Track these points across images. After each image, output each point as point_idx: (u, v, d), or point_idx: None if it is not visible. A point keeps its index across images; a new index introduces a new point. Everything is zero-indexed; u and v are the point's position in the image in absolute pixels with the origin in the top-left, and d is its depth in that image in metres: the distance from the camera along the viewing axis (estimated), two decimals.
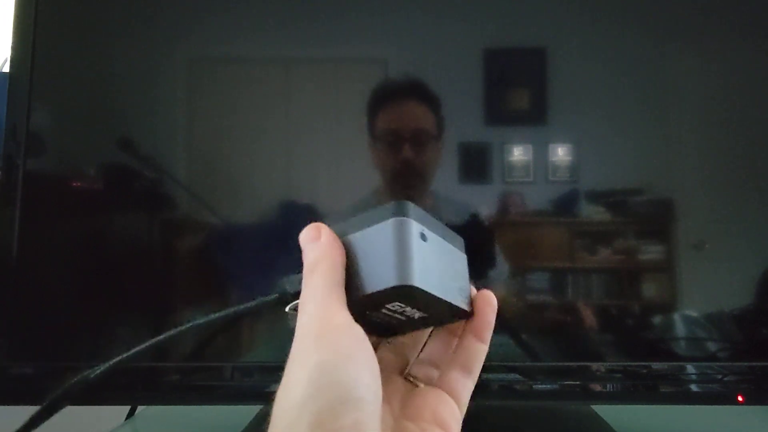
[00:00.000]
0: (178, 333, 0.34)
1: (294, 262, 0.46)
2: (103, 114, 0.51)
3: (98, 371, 0.36)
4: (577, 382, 0.47)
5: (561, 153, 0.50)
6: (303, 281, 0.27)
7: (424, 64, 0.51)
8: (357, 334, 0.24)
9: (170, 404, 0.61)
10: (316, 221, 0.29)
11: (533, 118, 0.51)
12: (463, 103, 0.50)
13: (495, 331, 0.31)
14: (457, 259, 0.30)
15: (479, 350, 0.31)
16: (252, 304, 0.33)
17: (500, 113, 0.51)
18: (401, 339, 0.32)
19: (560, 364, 0.48)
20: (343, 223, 0.29)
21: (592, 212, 0.50)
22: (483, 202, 0.49)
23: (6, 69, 0.51)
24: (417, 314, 0.28)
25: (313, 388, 0.22)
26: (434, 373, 0.31)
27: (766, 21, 0.50)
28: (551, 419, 0.58)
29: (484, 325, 0.30)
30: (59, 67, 0.50)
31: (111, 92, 0.51)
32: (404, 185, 0.50)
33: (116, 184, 0.50)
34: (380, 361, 0.25)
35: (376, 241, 0.27)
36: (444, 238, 0.29)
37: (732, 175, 0.50)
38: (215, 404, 0.50)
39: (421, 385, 0.31)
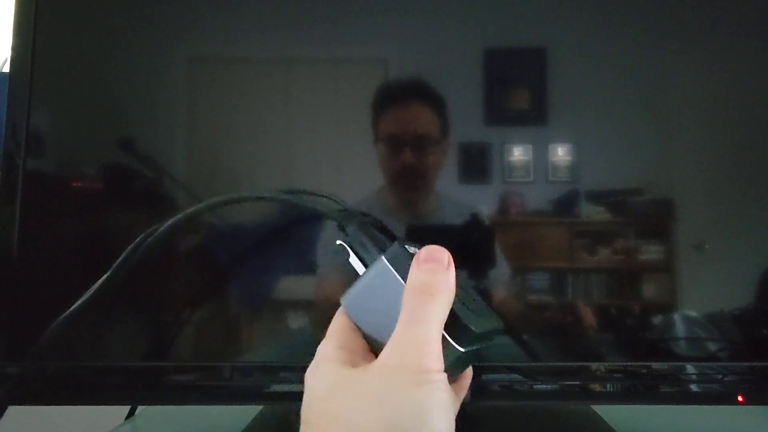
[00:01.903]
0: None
1: (294, 262, 0.47)
2: (103, 114, 0.51)
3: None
4: (577, 382, 0.47)
5: (561, 153, 0.50)
6: (409, 304, 0.25)
7: (425, 64, 0.51)
8: (443, 388, 0.24)
9: (170, 404, 0.61)
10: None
11: (533, 118, 0.51)
12: (463, 103, 0.50)
13: None
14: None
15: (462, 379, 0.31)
16: (314, 207, 0.39)
17: (500, 113, 0.51)
18: None
19: (560, 364, 0.48)
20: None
21: (592, 212, 0.50)
22: (483, 202, 0.49)
23: (6, 69, 0.51)
24: None
25: None
26: None
27: (766, 21, 0.50)
28: (551, 419, 0.58)
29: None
30: (59, 67, 0.50)
31: (111, 92, 0.51)
32: (407, 187, 0.51)
33: (116, 184, 0.50)
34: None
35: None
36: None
37: (732, 175, 0.50)
38: (215, 404, 0.50)
39: None
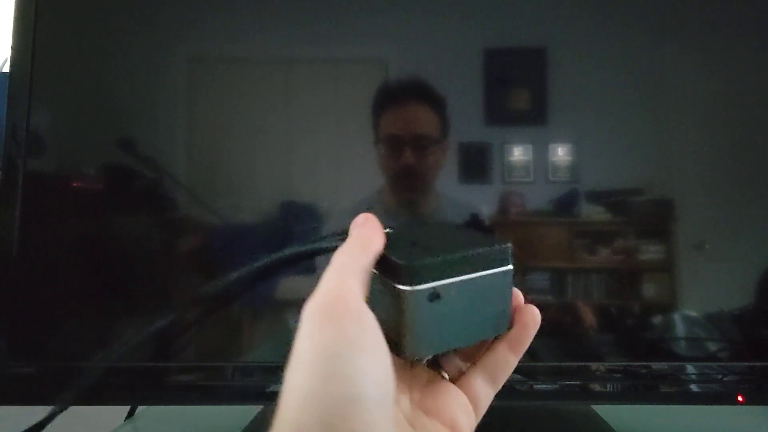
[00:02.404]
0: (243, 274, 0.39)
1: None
2: (103, 114, 0.51)
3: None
4: (577, 382, 0.47)
5: (561, 153, 0.50)
6: (332, 258, 0.26)
7: (424, 64, 0.51)
8: (369, 322, 0.23)
9: (170, 404, 0.61)
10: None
11: (533, 118, 0.51)
12: (463, 103, 0.50)
13: None
14: (492, 284, 0.28)
15: (508, 362, 0.29)
16: (308, 247, 0.36)
17: (500, 113, 0.51)
18: None
19: (560, 364, 0.48)
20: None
21: (592, 212, 0.50)
22: (483, 202, 0.49)
23: (6, 69, 0.51)
24: None
25: (318, 382, 0.21)
26: (461, 366, 0.31)
27: (766, 21, 0.50)
28: (551, 419, 0.58)
29: (522, 338, 0.29)
30: (59, 67, 0.50)
31: (111, 92, 0.51)
32: (407, 187, 0.51)
33: (116, 184, 0.50)
34: None
35: (390, 302, 0.26)
36: (473, 271, 0.27)
37: (732, 175, 0.50)
38: (215, 404, 0.50)
39: (445, 375, 0.30)
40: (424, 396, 0.29)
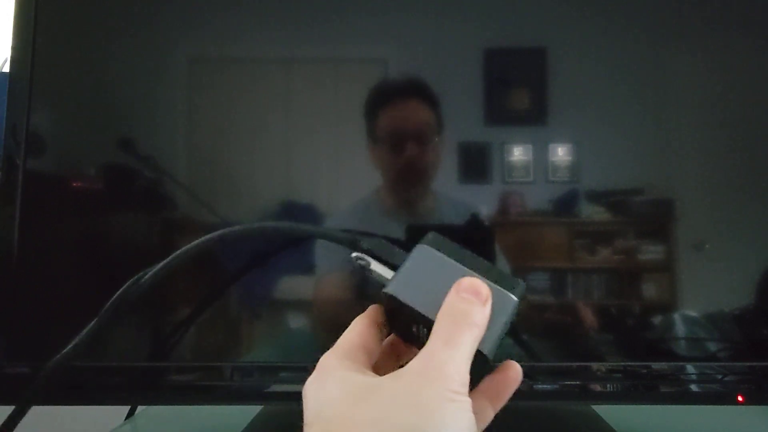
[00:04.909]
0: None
1: (294, 261, 0.47)
2: (103, 114, 0.51)
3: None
4: (577, 382, 0.47)
5: (561, 153, 0.50)
6: (446, 326, 0.26)
7: (424, 64, 0.51)
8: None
9: (170, 404, 0.61)
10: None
11: (533, 118, 0.51)
12: (463, 103, 0.50)
13: None
14: (497, 301, 0.28)
15: (486, 412, 0.30)
16: (323, 229, 0.39)
17: (500, 113, 0.51)
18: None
19: (560, 364, 0.48)
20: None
21: (592, 212, 0.50)
22: (483, 202, 0.49)
23: (6, 69, 0.51)
24: None
25: None
26: None
27: (766, 21, 0.50)
28: (551, 419, 0.58)
29: (503, 391, 0.30)
30: (59, 67, 0.50)
31: (111, 92, 0.51)
32: (406, 185, 0.51)
33: (116, 184, 0.50)
34: (402, 356, 0.27)
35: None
36: (489, 279, 0.29)
37: (732, 175, 0.50)
38: (215, 404, 0.50)
39: None
40: None
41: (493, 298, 0.27)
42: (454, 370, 0.24)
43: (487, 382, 0.30)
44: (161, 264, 0.40)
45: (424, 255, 0.30)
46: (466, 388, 0.25)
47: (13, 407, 0.40)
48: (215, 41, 0.51)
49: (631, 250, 0.49)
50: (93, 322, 0.41)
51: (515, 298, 0.28)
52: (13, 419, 0.40)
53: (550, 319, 0.49)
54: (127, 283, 0.41)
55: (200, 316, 0.49)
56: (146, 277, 0.40)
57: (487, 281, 0.28)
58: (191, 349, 0.49)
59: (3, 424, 0.40)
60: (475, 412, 0.29)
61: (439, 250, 0.29)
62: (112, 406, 0.55)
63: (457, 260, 0.29)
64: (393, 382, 0.25)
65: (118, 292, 0.41)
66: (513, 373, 0.31)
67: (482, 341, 0.26)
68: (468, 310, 0.26)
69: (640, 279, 0.49)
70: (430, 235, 0.30)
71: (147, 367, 0.48)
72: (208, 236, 0.41)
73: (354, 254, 0.31)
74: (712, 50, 0.50)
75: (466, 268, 0.29)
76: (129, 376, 0.47)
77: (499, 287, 0.28)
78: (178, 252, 0.41)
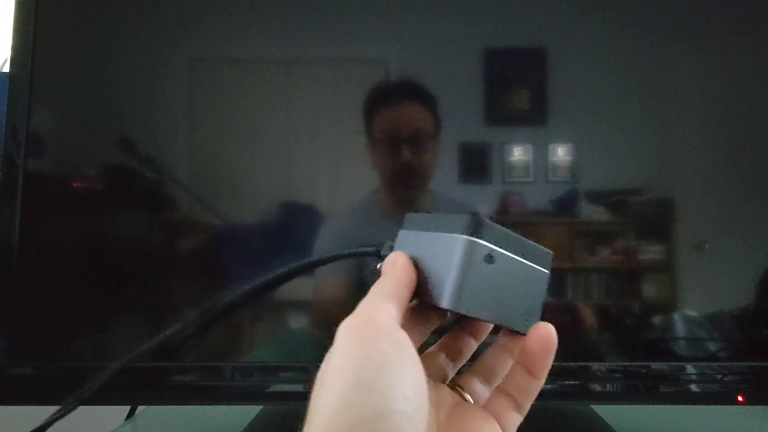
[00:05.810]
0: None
1: (293, 261, 0.47)
2: (103, 114, 0.51)
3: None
4: (577, 382, 0.47)
5: (561, 153, 0.50)
6: (370, 290, 0.27)
7: (424, 64, 0.51)
8: (401, 339, 0.24)
9: (170, 404, 0.61)
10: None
11: (533, 118, 0.51)
12: (462, 103, 0.50)
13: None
14: (532, 278, 0.29)
15: (530, 385, 0.29)
16: (351, 251, 0.39)
17: (500, 113, 0.51)
18: (450, 345, 0.32)
19: (560, 364, 0.48)
20: (427, 215, 0.31)
21: (592, 212, 0.50)
22: (483, 202, 0.49)
23: (6, 69, 0.51)
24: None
25: (350, 394, 0.21)
26: (482, 390, 0.31)
27: (766, 21, 0.50)
28: (551, 419, 0.58)
29: (539, 357, 0.29)
30: (59, 67, 0.50)
31: (111, 92, 0.51)
32: (404, 185, 0.51)
33: (116, 184, 0.50)
34: (425, 368, 0.25)
35: (443, 250, 0.27)
36: (521, 255, 0.29)
37: (732, 175, 0.50)
38: (215, 404, 0.50)
39: (468, 398, 0.30)
40: (450, 417, 0.28)
41: (437, 245, 0.28)
42: (361, 309, 0.25)
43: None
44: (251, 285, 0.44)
45: (405, 239, 0.31)
46: (384, 320, 0.25)
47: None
48: (216, 41, 0.51)
49: (631, 250, 0.49)
50: (173, 328, 0.45)
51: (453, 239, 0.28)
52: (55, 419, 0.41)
53: (550, 319, 0.49)
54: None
55: (201, 316, 0.49)
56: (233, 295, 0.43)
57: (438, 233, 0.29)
58: (192, 350, 0.49)
59: (44, 424, 0.42)
60: (498, 417, 0.29)
61: (484, 239, 0.28)
62: (112, 406, 0.55)
63: (431, 230, 0.29)
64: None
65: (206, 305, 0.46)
66: (541, 339, 0.29)
67: (457, 301, 0.26)
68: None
69: (640, 279, 0.49)
70: (405, 218, 0.32)
71: (147, 367, 0.48)
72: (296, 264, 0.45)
73: (378, 265, 0.31)
74: (712, 50, 0.50)
75: (438, 233, 0.29)
76: (129, 376, 0.47)
77: (444, 233, 0.29)
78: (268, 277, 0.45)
